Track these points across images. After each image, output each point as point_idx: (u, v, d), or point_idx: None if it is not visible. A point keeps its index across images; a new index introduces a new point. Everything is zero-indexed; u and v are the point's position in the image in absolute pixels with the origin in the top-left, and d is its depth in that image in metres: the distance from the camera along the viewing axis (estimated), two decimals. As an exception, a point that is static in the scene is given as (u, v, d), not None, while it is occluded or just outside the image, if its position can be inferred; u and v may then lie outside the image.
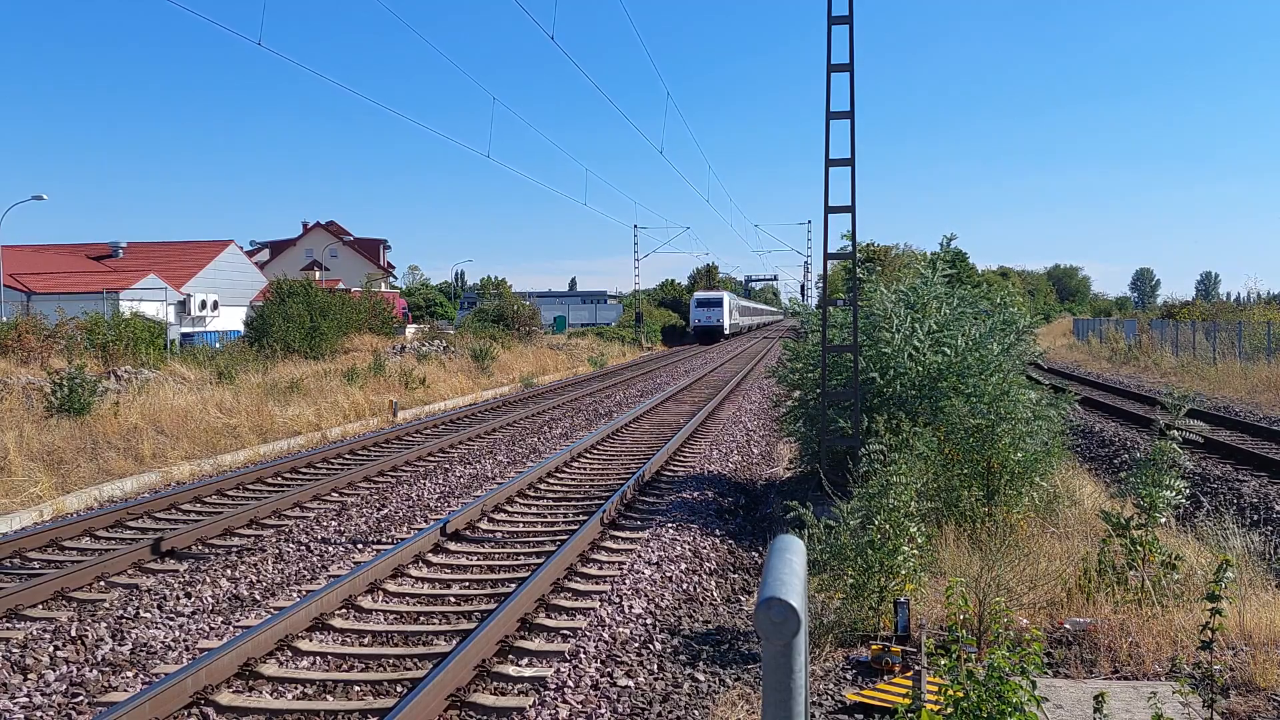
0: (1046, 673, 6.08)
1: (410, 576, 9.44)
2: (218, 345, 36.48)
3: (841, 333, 12.34)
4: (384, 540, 10.90)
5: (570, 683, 6.68)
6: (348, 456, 17.34)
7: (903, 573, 7.33)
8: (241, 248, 66.80)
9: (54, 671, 6.98)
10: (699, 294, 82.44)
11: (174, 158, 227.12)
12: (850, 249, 11.62)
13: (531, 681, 6.76)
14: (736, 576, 9.66)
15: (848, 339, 11.84)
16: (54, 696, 6.58)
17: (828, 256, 11.72)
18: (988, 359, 11.01)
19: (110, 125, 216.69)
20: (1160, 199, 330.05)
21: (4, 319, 32.83)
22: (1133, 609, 7.25)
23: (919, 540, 7.63)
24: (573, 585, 9.02)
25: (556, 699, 6.41)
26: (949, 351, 11.15)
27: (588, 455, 16.84)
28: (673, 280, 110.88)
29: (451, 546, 10.54)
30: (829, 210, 11.26)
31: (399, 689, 6.65)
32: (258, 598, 8.84)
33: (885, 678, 6.39)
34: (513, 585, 8.93)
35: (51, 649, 7.40)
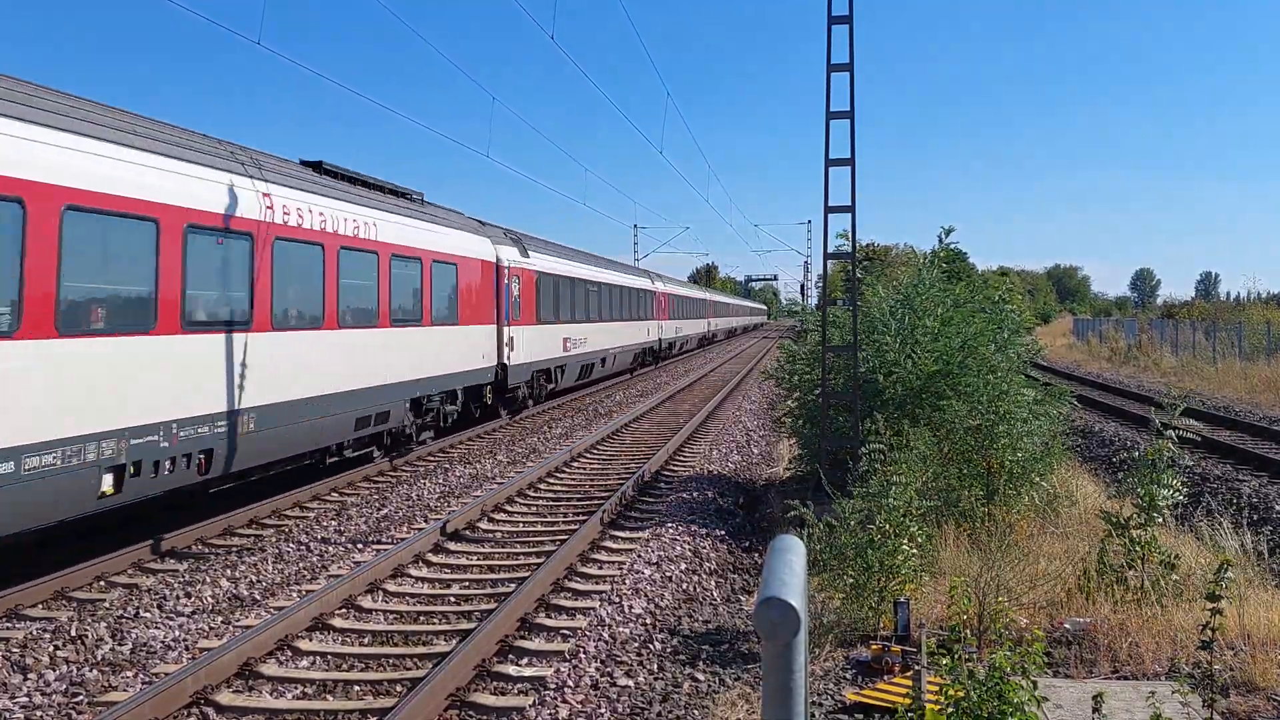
0: (1046, 672, 6.08)
1: (410, 576, 9.44)
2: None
3: (841, 332, 12.33)
4: (384, 540, 10.90)
5: (570, 682, 6.68)
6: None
7: (903, 572, 7.34)
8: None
9: (54, 671, 6.98)
10: None
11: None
12: (850, 249, 11.61)
13: (531, 681, 6.76)
14: (736, 576, 9.66)
15: (847, 338, 11.84)
16: (54, 696, 6.59)
17: (827, 256, 11.72)
18: (983, 358, 11.00)
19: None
20: (1160, 199, 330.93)
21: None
22: (1132, 609, 7.26)
23: (919, 540, 7.63)
24: (573, 585, 9.02)
25: (556, 699, 6.41)
26: (945, 351, 11.13)
27: (588, 455, 16.84)
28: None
29: (451, 546, 10.54)
30: (829, 210, 11.26)
31: (399, 689, 6.65)
32: (258, 598, 8.83)
33: (885, 678, 6.39)
34: (513, 585, 8.93)
35: (51, 649, 7.39)
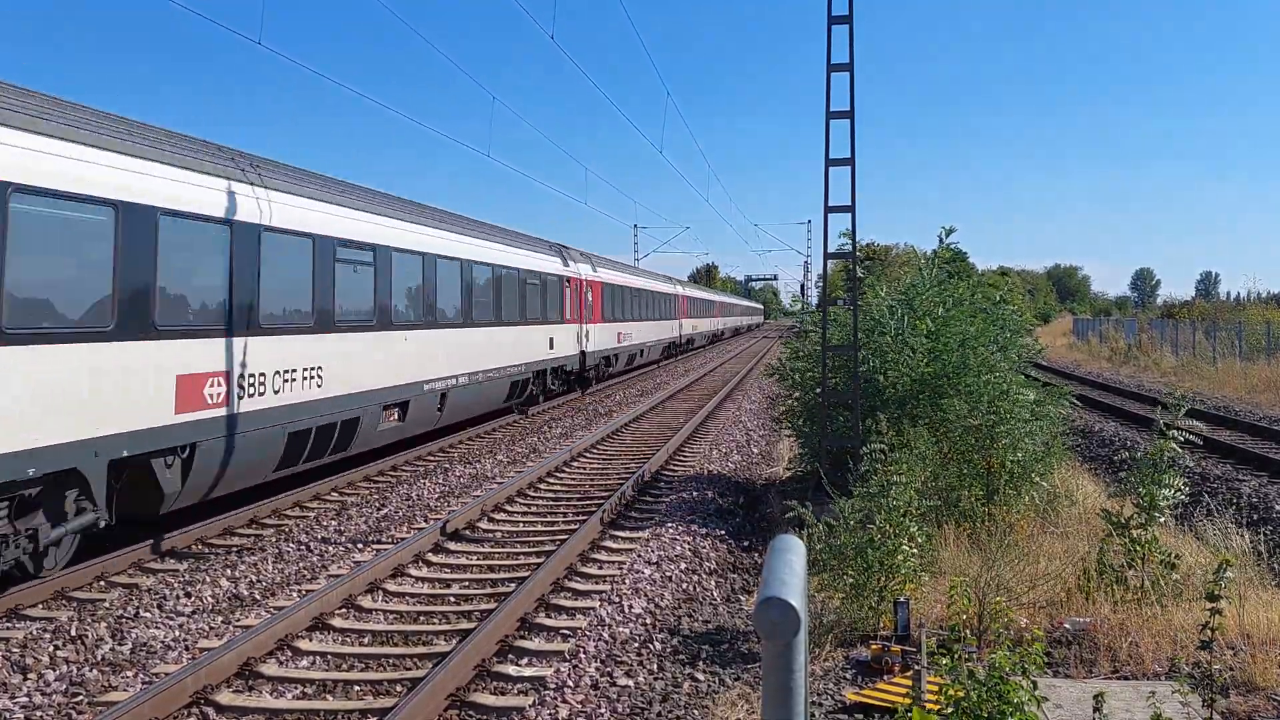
0: (1046, 672, 6.08)
1: (410, 576, 9.44)
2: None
3: (842, 331, 12.33)
4: (384, 540, 10.90)
5: (570, 682, 6.68)
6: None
7: (902, 572, 7.34)
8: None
9: (54, 671, 6.98)
10: None
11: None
12: (850, 248, 11.61)
13: (531, 681, 6.76)
14: (736, 576, 9.66)
15: (848, 338, 11.84)
16: (54, 696, 6.59)
17: (827, 256, 11.71)
18: (984, 358, 11.00)
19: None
20: (1160, 199, 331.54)
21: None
22: (1132, 608, 7.26)
23: (919, 540, 7.63)
24: (573, 585, 9.02)
25: (556, 699, 6.41)
26: (945, 351, 11.13)
27: (588, 455, 16.84)
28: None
29: (451, 546, 10.54)
30: (829, 210, 11.25)
31: (399, 689, 6.65)
32: (258, 597, 8.84)
33: (885, 677, 6.39)
34: (513, 585, 8.93)
35: (51, 649, 7.40)
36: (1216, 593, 5.41)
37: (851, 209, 11.18)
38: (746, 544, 10.86)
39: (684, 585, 9.16)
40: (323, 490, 13.52)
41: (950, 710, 4.47)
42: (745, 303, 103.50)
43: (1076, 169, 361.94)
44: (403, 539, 10.70)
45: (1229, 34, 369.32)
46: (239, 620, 8.12)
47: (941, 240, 13.11)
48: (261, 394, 11.44)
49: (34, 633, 7.74)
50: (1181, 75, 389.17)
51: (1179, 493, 8.04)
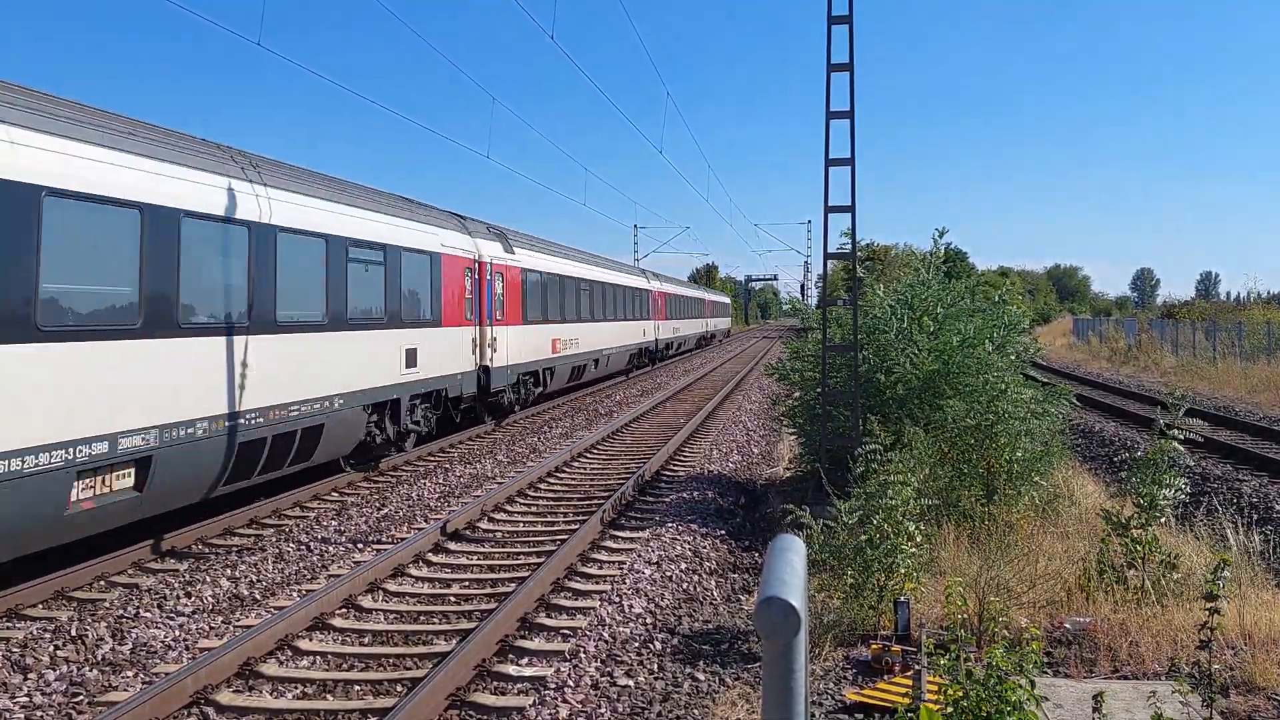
0: (1046, 672, 6.09)
1: (410, 576, 9.44)
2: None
3: (842, 331, 12.33)
4: (384, 540, 10.89)
5: (570, 682, 6.68)
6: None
7: (902, 572, 7.34)
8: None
9: (54, 671, 6.98)
10: None
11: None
12: (850, 248, 11.61)
13: (531, 681, 6.76)
14: (736, 576, 9.66)
15: (848, 338, 11.84)
16: (54, 696, 6.59)
17: (827, 256, 11.71)
18: (983, 358, 10.99)
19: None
20: (1160, 199, 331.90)
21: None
22: (1132, 608, 7.26)
23: (918, 539, 7.63)
24: (573, 585, 9.02)
25: (556, 698, 6.41)
26: (946, 351, 11.13)
27: (588, 455, 16.84)
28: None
29: (452, 546, 10.54)
30: (829, 210, 11.25)
31: (399, 688, 6.65)
32: (258, 597, 8.84)
33: (885, 677, 6.39)
34: (513, 585, 8.93)
35: (51, 649, 7.40)
36: (1214, 592, 5.41)
37: (852, 209, 11.17)
38: (746, 544, 10.86)
39: (684, 585, 9.15)
40: (322, 490, 13.52)
41: (950, 710, 4.47)
42: (698, 293, 70.85)
43: (1077, 169, 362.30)
44: (403, 539, 10.70)
45: (1229, 33, 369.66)
46: (239, 620, 8.12)
47: (935, 241, 13.16)
48: None
49: (34, 633, 7.74)
50: (1182, 75, 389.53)
51: (1179, 493, 8.04)
